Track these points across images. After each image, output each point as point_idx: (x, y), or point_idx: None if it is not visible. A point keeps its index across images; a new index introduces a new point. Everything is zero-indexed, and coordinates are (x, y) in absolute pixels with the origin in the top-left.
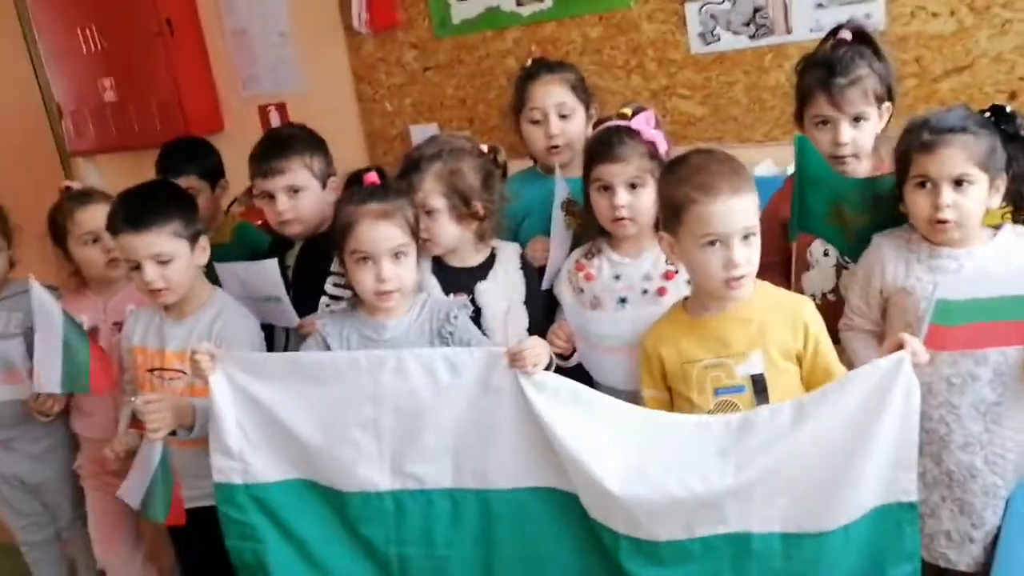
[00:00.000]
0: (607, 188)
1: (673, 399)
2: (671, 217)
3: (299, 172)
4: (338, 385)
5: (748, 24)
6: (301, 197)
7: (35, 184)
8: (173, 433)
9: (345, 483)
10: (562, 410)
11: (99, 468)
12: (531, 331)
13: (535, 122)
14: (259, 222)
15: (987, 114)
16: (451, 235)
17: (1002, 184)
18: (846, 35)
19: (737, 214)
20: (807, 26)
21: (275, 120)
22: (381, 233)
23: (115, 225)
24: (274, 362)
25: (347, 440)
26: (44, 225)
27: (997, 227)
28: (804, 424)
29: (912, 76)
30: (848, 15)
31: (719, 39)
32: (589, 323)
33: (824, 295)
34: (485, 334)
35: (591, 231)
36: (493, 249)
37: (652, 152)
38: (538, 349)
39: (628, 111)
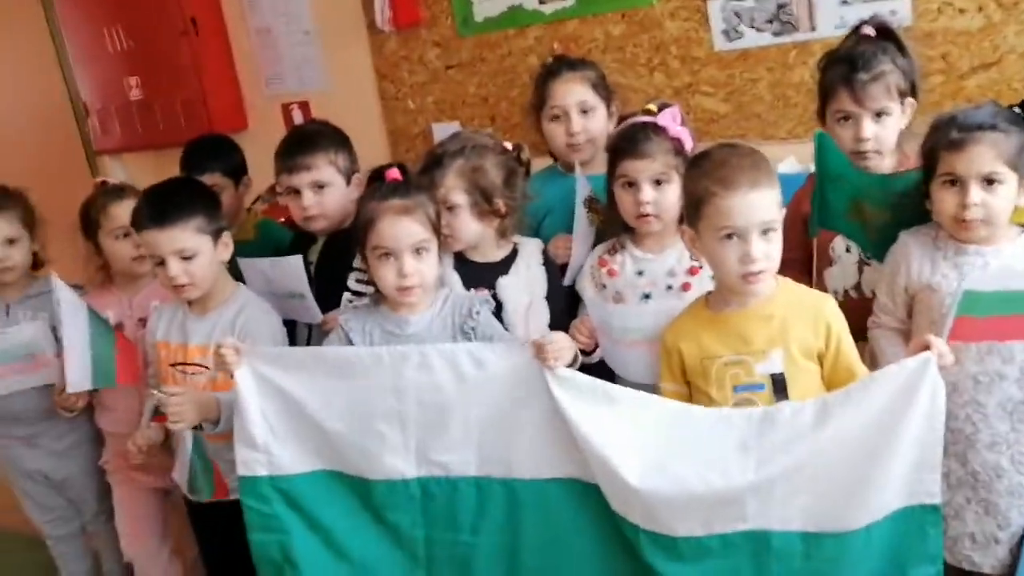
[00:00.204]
0: (632, 184)
1: (692, 394)
2: (692, 210)
3: (325, 168)
4: (362, 379)
5: (772, 21)
6: (326, 193)
7: (62, 182)
8: (199, 428)
9: (371, 471)
10: (583, 405)
11: (124, 463)
12: (552, 326)
13: (556, 119)
14: (282, 219)
15: (1016, 110)
16: (472, 231)
17: None
18: (869, 31)
19: (755, 208)
20: (831, 23)
21: (298, 118)
22: (403, 229)
23: (139, 221)
24: (298, 356)
25: (372, 431)
26: (71, 221)
27: None
28: (827, 423)
29: (939, 73)
30: (873, 11)
31: (742, 36)
32: (612, 317)
33: (846, 291)
34: (507, 329)
35: (614, 227)
36: (515, 245)
37: (677, 148)
38: (561, 344)
39: (653, 107)
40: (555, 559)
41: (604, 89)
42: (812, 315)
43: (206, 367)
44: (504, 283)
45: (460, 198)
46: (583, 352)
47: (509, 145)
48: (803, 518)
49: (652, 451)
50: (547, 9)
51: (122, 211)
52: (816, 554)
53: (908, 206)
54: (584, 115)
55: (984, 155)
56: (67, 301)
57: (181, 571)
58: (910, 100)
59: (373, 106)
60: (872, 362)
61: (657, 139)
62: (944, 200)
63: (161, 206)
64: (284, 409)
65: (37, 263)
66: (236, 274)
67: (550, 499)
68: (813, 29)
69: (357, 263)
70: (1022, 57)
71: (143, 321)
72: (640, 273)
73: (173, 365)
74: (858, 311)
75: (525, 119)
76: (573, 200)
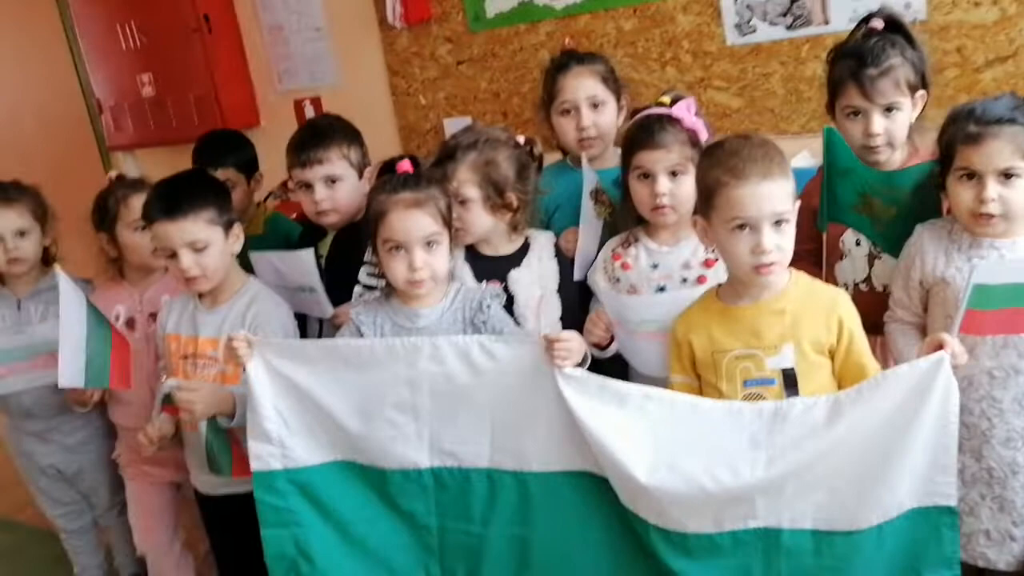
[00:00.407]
0: (647, 176)
1: (702, 387)
2: (704, 201)
3: (337, 162)
4: (374, 370)
5: (785, 14)
6: (339, 187)
7: (76, 178)
8: (213, 420)
9: (385, 461)
10: (591, 404)
11: (137, 457)
12: (564, 320)
13: (566, 113)
14: (294, 215)
15: None
16: (484, 225)
17: None
18: (877, 24)
19: (767, 199)
20: (845, 16)
21: (310, 115)
22: (413, 222)
23: (151, 213)
24: (310, 348)
25: (385, 420)
26: (85, 217)
27: None
28: (839, 422)
29: (953, 66)
30: (887, 4)
31: (755, 30)
32: (626, 308)
33: (856, 285)
34: (517, 322)
35: (628, 220)
36: (527, 238)
37: (693, 140)
38: (572, 344)
39: (667, 99)
40: (566, 550)
41: (614, 83)
42: (824, 309)
43: (216, 359)
44: (516, 276)
45: (472, 192)
46: (598, 347)
47: (522, 139)
48: (813, 516)
49: (662, 448)
50: (558, 4)
51: (142, 203)
52: (827, 552)
53: (916, 201)
54: (594, 109)
55: (1002, 150)
56: (68, 296)
57: (193, 565)
58: (920, 92)
59: (385, 102)
60: (884, 356)
61: (673, 130)
62: (961, 194)
63: (172, 198)
64: (297, 401)
65: (48, 258)
66: (246, 268)
67: (561, 491)
68: (827, 22)
69: (368, 256)
70: None
71: (153, 316)
72: (655, 266)
73: (184, 358)
74: (869, 304)
75: (536, 114)
76: (581, 193)
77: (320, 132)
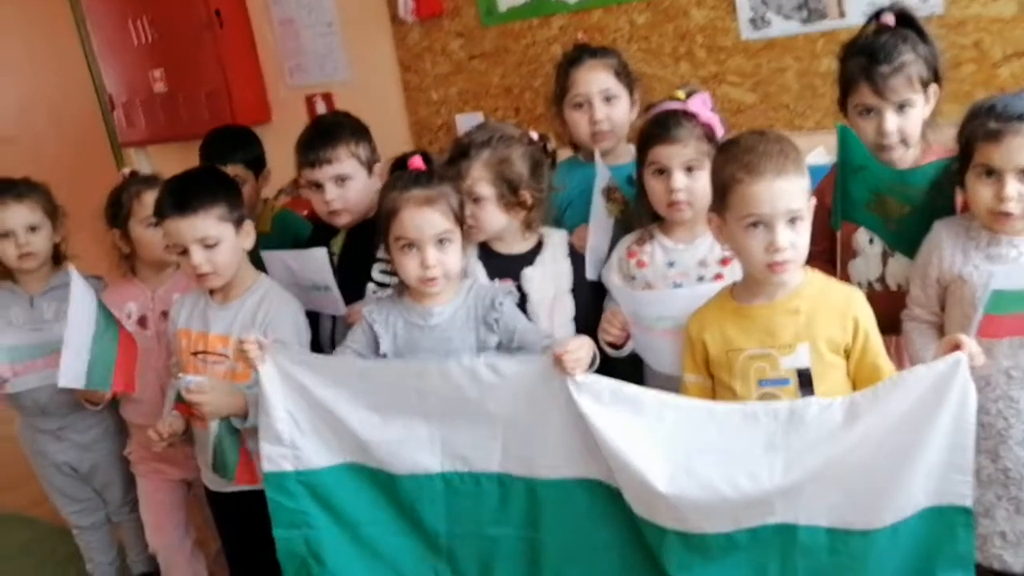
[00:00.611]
0: (663, 171)
1: (715, 387)
2: (718, 197)
3: (346, 161)
4: (384, 379)
5: (800, 9)
6: (349, 186)
7: (88, 174)
8: (227, 420)
9: (396, 465)
10: (605, 411)
11: (149, 454)
12: (578, 319)
13: (579, 107)
14: (305, 212)
15: None
16: (497, 223)
17: None
18: (888, 19)
19: (781, 196)
20: (860, 10)
21: (321, 110)
22: (425, 220)
23: (162, 210)
24: (320, 362)
25: (395, 425)
26: (98, 213)
27: None
28: (856, 423)
29: (971, 61)
30: None
31: (770, 24)
32: (642, 305)
33: (870, 283)
34: (530, 321)
35: (643, 217)
36: (541, 236)
37: (709, 134)
38: (580, 353)
39: (682, 94)
40: (575, 557)
41: (627, 77)
42: (840, 309)
43: (226, 356)
44: (529, 274)
45: (486, 190)
46: (613, 346)
47: (535, 135)
48: (829, 514)
49: (678, 454)
50: None
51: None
52: (842, 549)
53: (931, 199)
54: (607, 103)
55: (1023, 147)
56: (79, 296)
57: (205, 564)
58: (933, 88)
59: (396, 97)
60: (899, 356)
61: (688, 125)
62: (980, 191)
63: (183, 194)
64: (308, 404)
65: (59, 255)
66: (257, 266)
67: (571, 498)
68: (842, 16)
69: (381, 253)
70: None
71: (165, 314)
72: (671, 264)
73: (194, 354)
74: (883, 304)
75: (548, 110)
76: (593, 189)
77: (328, 131)
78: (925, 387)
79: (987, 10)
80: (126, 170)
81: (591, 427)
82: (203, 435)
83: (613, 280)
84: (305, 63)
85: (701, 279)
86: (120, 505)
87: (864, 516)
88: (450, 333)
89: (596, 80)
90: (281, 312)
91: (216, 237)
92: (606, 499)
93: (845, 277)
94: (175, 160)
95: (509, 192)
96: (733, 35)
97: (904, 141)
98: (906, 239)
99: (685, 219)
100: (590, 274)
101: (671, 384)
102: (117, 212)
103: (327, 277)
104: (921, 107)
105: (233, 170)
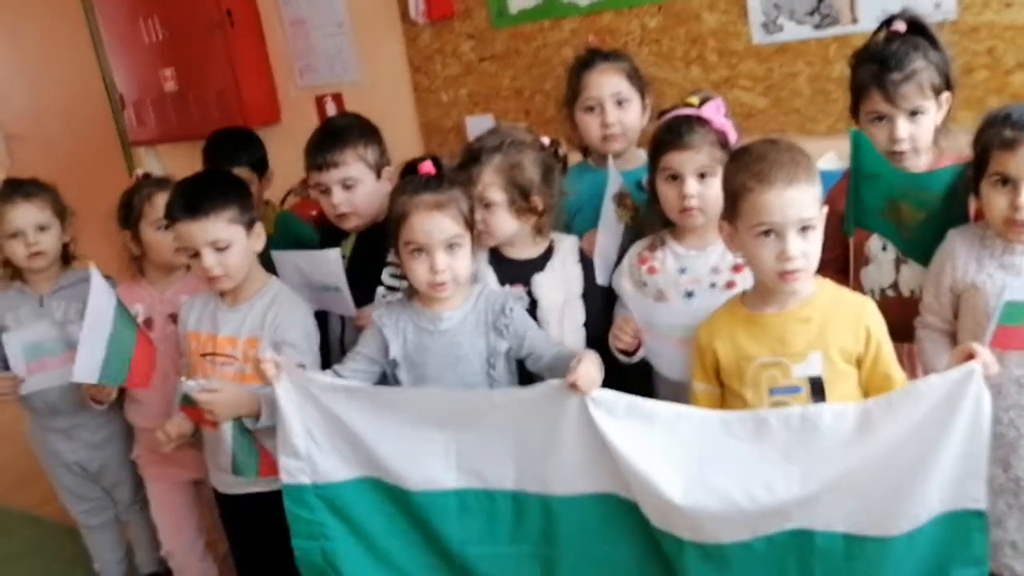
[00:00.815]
0: (675, 177)
1: (725, 396)
2: (730, 206)
3: (353, 165)
4: (400, 398)
5: (812, 13)
6: (356, 190)
7: (98, 173)
8: (239, 421)
9: (410, 481)
10: (620, 425)
11: (156, 457)
12: (588, 326)
13: (590, 110)
14: (314, 212)
15: None
16: (508, 228)
17: None
18: (900, 26)
19: (792, 205)
20: (873, 15)
21: (332, 111)
22: (435, 225)
23: (173, 213)
24: (334, 386)
25: (412, 441)
26: (108, 213)
27: None
28: (869, 431)
29: (983, 68)
30: (916, 3)
31: (782, 29)
32: (656, 314)
33: (883, 291)
34: (540, 327)
35: (654, 223)
36: (551, 241)
37: (722, 141)
38: (590, 375)
39: (695, 100)
40: (592, 570)
41: (638, 80)
42: (852, 318)
43: (235, 357)
44: (539, 280)
45: (497, 195)
46: (625, 353)
47: (547, 140)
48: (846, 521)
49: (693, 466)
50: (582, 1)
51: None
52: (858, 555)
53: (945, 206)
54: (619, 106)
55: None
56: (98, 293)
57: (215, 565)
58: (945, 95)
59: (406, 98)
60: (911, 364)
61: (702, 131)
62: (995, 200)
63: (194, 197)
64: (324, 419)
65: (67, 256)
66: (267, 267)
67: (587, 514)
68: (855, 22)
69: (391, 257)
70: None
71: (172, 317)
72: (683, 270)
73: (203, 355)
74: (896, 311)
75: (559, 112)
76: (603, 194)
77: (335, 134)
78: (939, 396)
79: (1000, 17)
80: (139, 172)
81: (607, 441)
82: (212, 437)
83: (624, 287)
84: (315, 63)
85: (713, 286)
86: (129, 504)
87: (880, 524)
88: (460, 338)
89: (608, 83)
90: (291, 315)
91: (227, 240)
92: (622, 512)
93: (857, 284)
94: (185, 159)
95: (520, 198)
96: (745, 39)
97: (916, 148)
98: (920, 246)
99: (697, 225)
100: (600, 279)
101: (680, 390)
102: (128, 214)
103: (339, 279)
104: (933, 114)
105: (238, 172)
